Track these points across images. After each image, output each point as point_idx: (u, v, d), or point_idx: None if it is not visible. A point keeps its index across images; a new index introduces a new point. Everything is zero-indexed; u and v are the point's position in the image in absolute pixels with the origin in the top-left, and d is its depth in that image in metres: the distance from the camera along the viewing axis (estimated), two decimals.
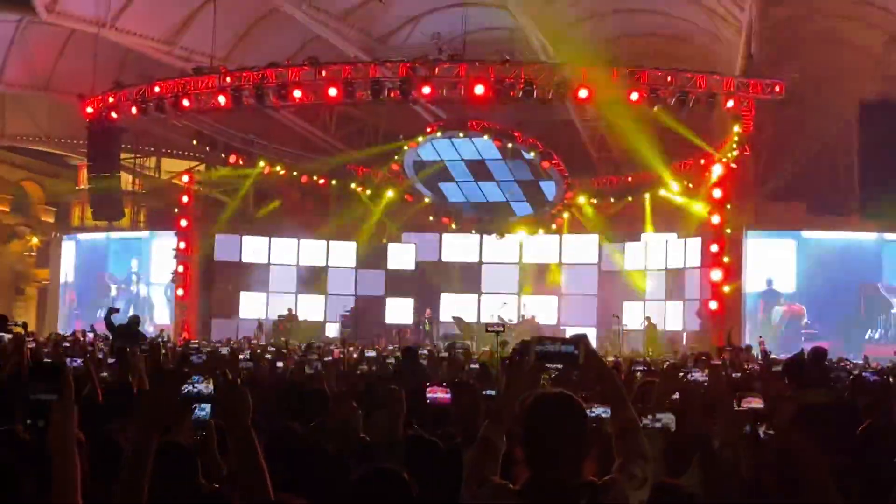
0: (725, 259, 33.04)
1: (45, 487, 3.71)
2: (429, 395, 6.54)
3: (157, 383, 4.26)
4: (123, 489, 4.04)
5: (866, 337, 33.42)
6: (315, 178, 39.79)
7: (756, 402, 6.38)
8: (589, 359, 4.54)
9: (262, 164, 38.90)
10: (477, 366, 14.12)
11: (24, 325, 10.74)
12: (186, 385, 4.26)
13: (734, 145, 31.27)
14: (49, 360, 10.17)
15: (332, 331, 39.21)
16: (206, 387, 4.27)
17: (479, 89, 28.42)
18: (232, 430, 4.19)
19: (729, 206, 32.98)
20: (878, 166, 28.89)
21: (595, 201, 39.09)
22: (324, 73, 29.45)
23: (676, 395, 6.89)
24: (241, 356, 15.08)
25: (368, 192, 40.88)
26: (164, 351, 14.98)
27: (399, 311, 41.91)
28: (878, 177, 28.88)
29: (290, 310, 38.41)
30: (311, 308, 40.46)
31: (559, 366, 4.67)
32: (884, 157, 28.83)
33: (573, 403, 4.36)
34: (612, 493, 4.16)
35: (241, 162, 38.94)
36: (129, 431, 4.34)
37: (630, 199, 38.12)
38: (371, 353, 17.03)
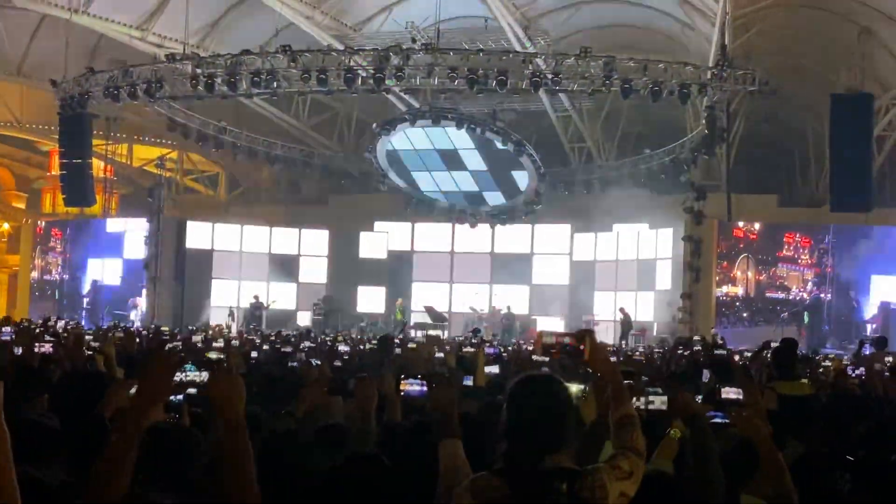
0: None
1: None
2: (404, 389, 6.51)
3: (155, 367, 4.21)
4: (107, 468, 4.00)
5: None
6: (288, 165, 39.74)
7: (735, 394, 6.39)
8: (594, 353, 4.59)
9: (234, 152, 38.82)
10: (442, 355, 14.07)
11: None
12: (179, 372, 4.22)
13: (707, 136, 31.35)
14: None
15: (303, 319, 39.20)
16: (199, 374, 4.23)
17: (453, 79, 28.44)
18: (224, 420, 4.07)
19: (700, 198, 33.10)
20: (849, 159, 28.96)
21: (567, 192, 39.08)
22: (296, 61, 29.37)
23: None
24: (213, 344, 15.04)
25: (343, 181, 40.79)
26: (137, 339, 14.93)
27: (371, 299, 41.92)
28: (850, 170, 28.96)
29: (256, 297, 38.26)
30: (283, 296, 40.35)
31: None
32: (855, 150, 28.91)
33: (559, 387, 4.39)
34: (591, 480, 4.17)
35: (213, 150, 38.85)
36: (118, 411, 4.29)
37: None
38: (345, 348, 16.83)
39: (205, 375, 4.19)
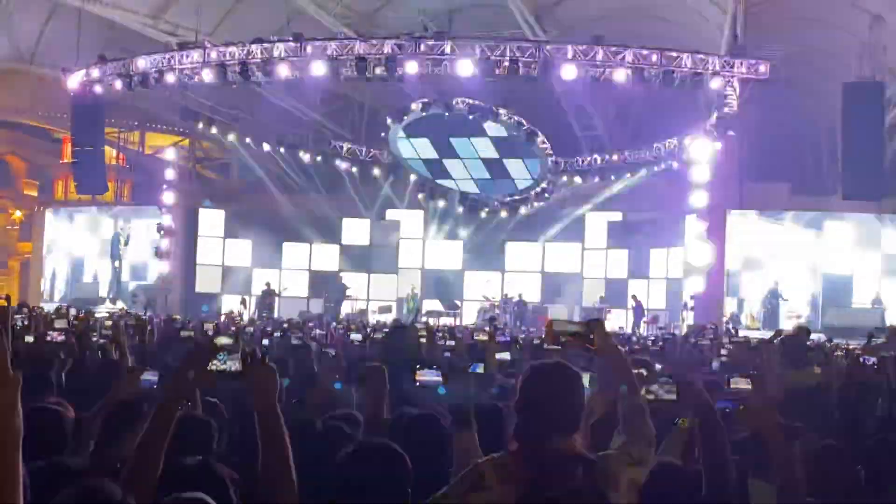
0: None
1: None
2: (419, 380, 6.54)
3: (190, 356, 4.27)
4: (145, 452, 4.08)
5: None
6: (300, 153, 39.57)
7: (744, 384, 6.39)
8: (604, 343, 4.63)
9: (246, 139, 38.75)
10: (452, 342, 14.12)
11: (8, 298, 10.70)
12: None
13: (718, 125, 31.25)
14: None
15: (316, 306, 39.17)
16: (232, 363, 4.26)
17: (465, 66, 28.43)
18: (258, 410, 4.14)
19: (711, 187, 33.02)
20: (861, 148, 28.87)
21: (579, 180, 38.99)
22: (309, 49, 29.36)
23: None
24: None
25: (355, 169, 40.65)
26: (149, 327, 14.95)
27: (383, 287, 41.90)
28: (861, 158, 28.87)
29: (267, 284, 38.26)
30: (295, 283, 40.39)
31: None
32: (867, 139, 28.81)
33: (569, 373, 4.41)
34: (603, 466, 4.21)
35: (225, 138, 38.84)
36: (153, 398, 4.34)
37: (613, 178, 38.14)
38: (357, 336, 16.87)
39: (237, 365, 4.23)
